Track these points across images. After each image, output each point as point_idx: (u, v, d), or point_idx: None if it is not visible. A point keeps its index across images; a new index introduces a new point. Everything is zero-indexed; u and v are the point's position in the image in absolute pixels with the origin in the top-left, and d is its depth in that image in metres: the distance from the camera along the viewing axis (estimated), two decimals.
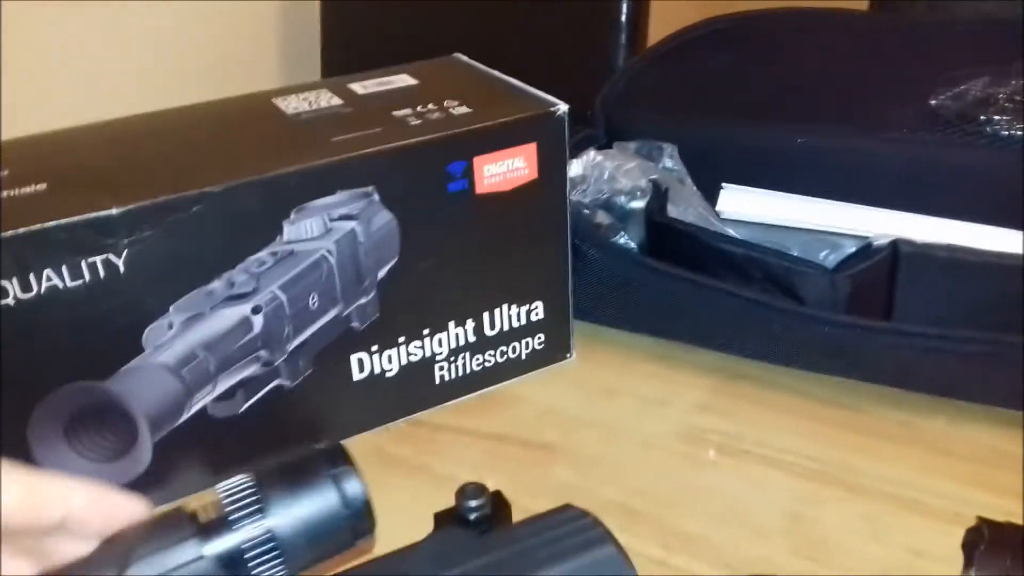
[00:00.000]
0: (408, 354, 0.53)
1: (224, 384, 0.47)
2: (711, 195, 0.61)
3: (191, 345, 0.46)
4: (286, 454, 0.30)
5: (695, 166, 0.63)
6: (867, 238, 0.55)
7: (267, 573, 0.28)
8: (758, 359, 0.56)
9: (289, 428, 0.50)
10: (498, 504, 0.40)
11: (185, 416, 0.47)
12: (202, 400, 0.47)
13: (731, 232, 0.58)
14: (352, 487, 0.30)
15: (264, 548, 0.27)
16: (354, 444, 0.52)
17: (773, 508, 0.46)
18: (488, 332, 0.55)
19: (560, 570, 0.34)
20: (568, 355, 0.58)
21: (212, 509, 0.28)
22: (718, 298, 0.54)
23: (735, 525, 0.45)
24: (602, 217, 0.59)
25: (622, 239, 0.59)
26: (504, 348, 0.56)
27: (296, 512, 0.28)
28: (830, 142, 0.60)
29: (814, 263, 0.54)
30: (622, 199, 0.58)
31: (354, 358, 0.51)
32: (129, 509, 0.30)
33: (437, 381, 0.54)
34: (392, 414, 0.54)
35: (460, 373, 0.55)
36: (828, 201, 0.57)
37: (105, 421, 0.45)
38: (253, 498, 0.28)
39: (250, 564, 0.27)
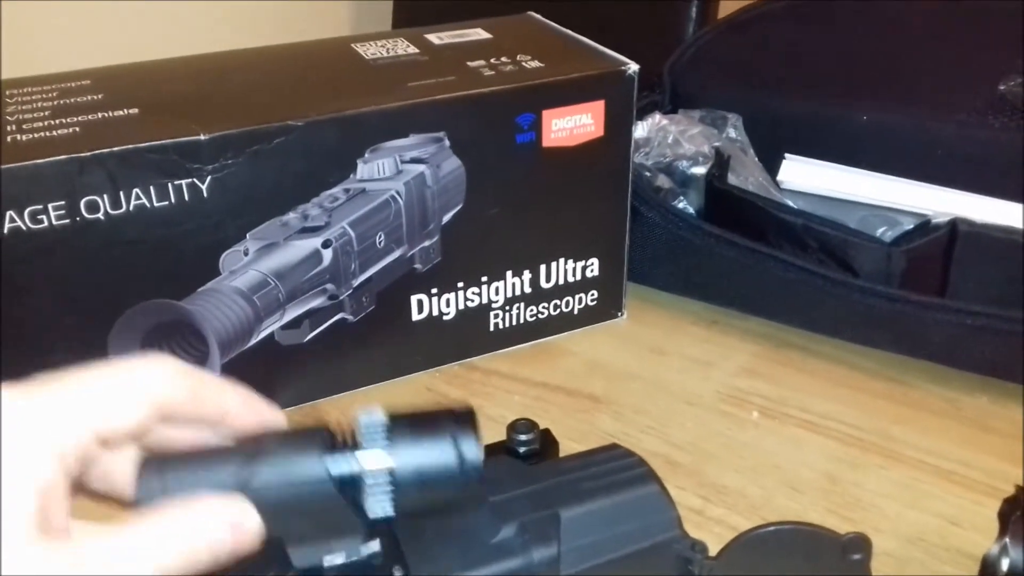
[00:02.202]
0: (465, 299, 0.54)
1: (292, 313, 0.50)
2: (772, 167, 0.62)
3: (264, 273, 0.48)
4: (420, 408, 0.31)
5: (758, 137, 0.63)
6: (925, 216, 0.56)
7: (376, 505, 0.29)
8: (807, 329, 0.57)
9: (349, 361, 0.53)
10: (546, 441, 0.42)
11: (254, 340, 0.49)
12: (271, 326, 0.49)
13: (790, 203, 0.58)
14: (470, 452, 0.31)
15: (382, 482, 0.29)
16: (408, 382, 0.55)
17: (811, 468, 0.47)
18: (544, 284, 0.56)
19: (605, 503, 0.36)
20: (619, 314, 0.60)
21: (347, 432, 0.30)
22: (773, 266, 0.55)
23: (773, 482, 0.47)
24: (663, 180, 0.60)
25: (681, 203, 0.60)
26: (558, 301, 0.57)
27: (417, 458, 0.30)
28: (895, 120, 0.60)
29: (872, 236, 0.55)
30: (684, 164, 0.59)
31: (414, 299, 0.53)
32: (272, 416, 0.31)
33: (491, 328, 0.56)
34: (446, 357, 0.56)
35: (513, 323, 0.56)
36: (889, 177, 0.57)
37: (179, 339, 0.48)
38: (385, 434, 0.29)
39: (365, 492, 0.29)
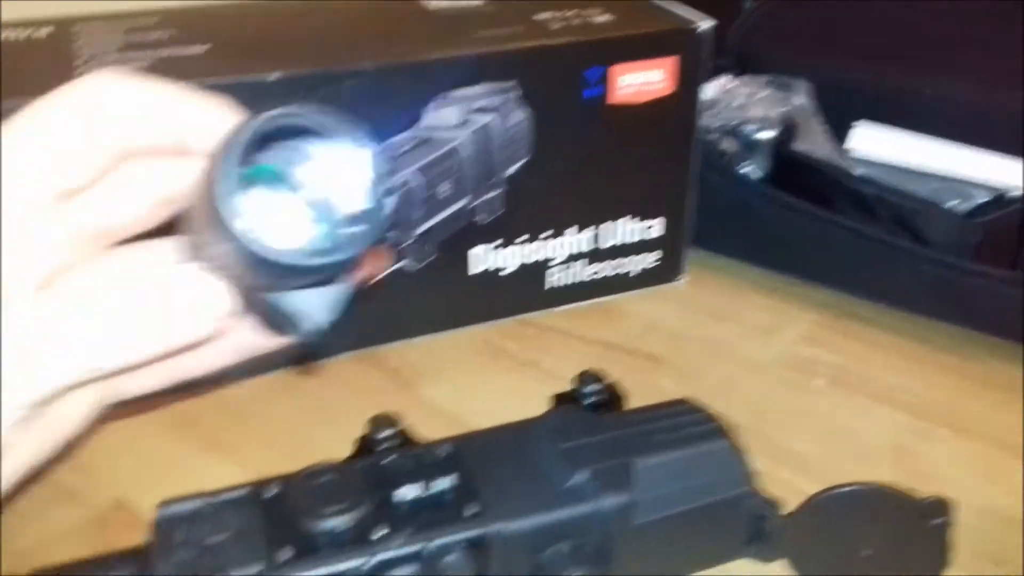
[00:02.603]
0: (525, 254, 0.54)
1: None
2: (839, 136, 0.60)
3: None
4: None
5: (826, 105, 0.62)
6: (998, 189, 0.54)
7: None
8: (873, 299, 0.55)
9: (408, 309, 0.52)
10: (613, 395, 0.41)
11: None
12: None
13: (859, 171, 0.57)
14: None
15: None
16: (465, 334, 0.54)
17: (879, 437, 0.46)
18: (605, 243, 0.55)
19: (677, 455, 0.35)
20: (679, 277, 0.59)
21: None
22: (841, 235, 0.54)
23: (839, 448, 0.46)
24: (728, 144, 0.58)
25: (746, 168, 0.59)
26: (618, 261, 0.56)
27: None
28: (966, 89, 0.59)
29: (945, 208, 0.53)
30: (751, 128, 0.58)
31: (474, 251, 0.52)
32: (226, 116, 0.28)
33: (549, 285, 0.55)
34: (502, 311, 0.55)
35: (572, 280, 0.56)
36: (963, 146, 0.55)
37: None
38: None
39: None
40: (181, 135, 0.26)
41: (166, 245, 0.28)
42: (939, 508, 0.35)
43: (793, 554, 0.37)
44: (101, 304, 0.25)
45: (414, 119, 0.47)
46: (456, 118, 0.48)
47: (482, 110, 0.49)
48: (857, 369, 0.51)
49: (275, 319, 0.30)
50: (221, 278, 0.28)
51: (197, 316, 0.27)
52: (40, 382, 0.25)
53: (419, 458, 0.34)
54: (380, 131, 0.47)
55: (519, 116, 0.50)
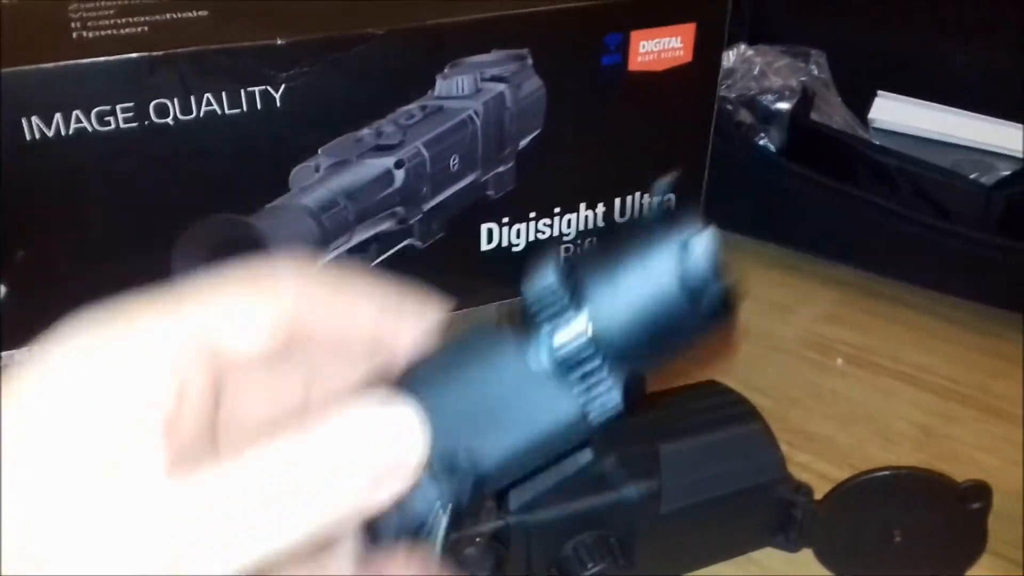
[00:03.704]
0: (537, 231, 0.52)
1: (360, 236, 0.47)
2: (855, 107, 0.59)
3: (334, 192, 0.45)
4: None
5: (842, 75, 0.60)
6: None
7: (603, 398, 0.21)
8: (894, 277, 0.54)
9: (416, 288, 0.50)
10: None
11: (320, 263, 0.47)
12: (337, 249, 0.47)
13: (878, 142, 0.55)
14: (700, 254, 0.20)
15: (590, 354, 0.20)
16: (474, 314, 0.53)
17: (904, 419, 0.45)
18: (617, 219, 0.54)
19: (707, 439, 0.34)
20: None
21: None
22: (863, 209, 0.52)
23: (863, 431, 0.44)
24: (744, 115, 0.57)
25: (762, 140, 0.57)
26: None
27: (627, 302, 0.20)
28: (990, 59, 0.57)
29: (971, 180, 0.51)
30: (768, 98, 0.56)
31: (484, 227, 0.50)
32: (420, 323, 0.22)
33: None
34: (514, 290, 0.53)
35: None
36: (988, 118, 0.54)
37: (243, 258, 0.45)
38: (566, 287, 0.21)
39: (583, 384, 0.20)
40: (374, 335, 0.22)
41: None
42: (979, 492, 0.33)
43: (819, 543, 0.36)
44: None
45: (426, 87, 0.45)
46: (469, 86, 0.46)
47: (496, 78, 0.47)
48: (880, 349, 0.50)
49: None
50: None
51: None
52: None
53: None
54: (389, 100, 0.45)
55: (534, 84, 0.48)
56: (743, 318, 0.52)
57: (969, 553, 0.35)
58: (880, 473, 0.34)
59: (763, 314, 0.53)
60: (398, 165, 0.46)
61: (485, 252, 0.51)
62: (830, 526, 0.35)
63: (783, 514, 0.35)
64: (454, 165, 0.48)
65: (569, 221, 0.52)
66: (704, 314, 0.20)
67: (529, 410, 0.20)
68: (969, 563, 0.35)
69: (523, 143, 0.49)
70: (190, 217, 0.43)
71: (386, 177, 0.46)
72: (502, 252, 0.52)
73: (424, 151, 0.47)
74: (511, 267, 0.52)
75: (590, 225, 0.53)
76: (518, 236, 0.52)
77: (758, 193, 0.56)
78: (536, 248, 0.52)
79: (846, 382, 0.48)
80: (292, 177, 0.44)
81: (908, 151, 0.54)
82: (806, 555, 0.36)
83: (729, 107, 0.56)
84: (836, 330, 0.51)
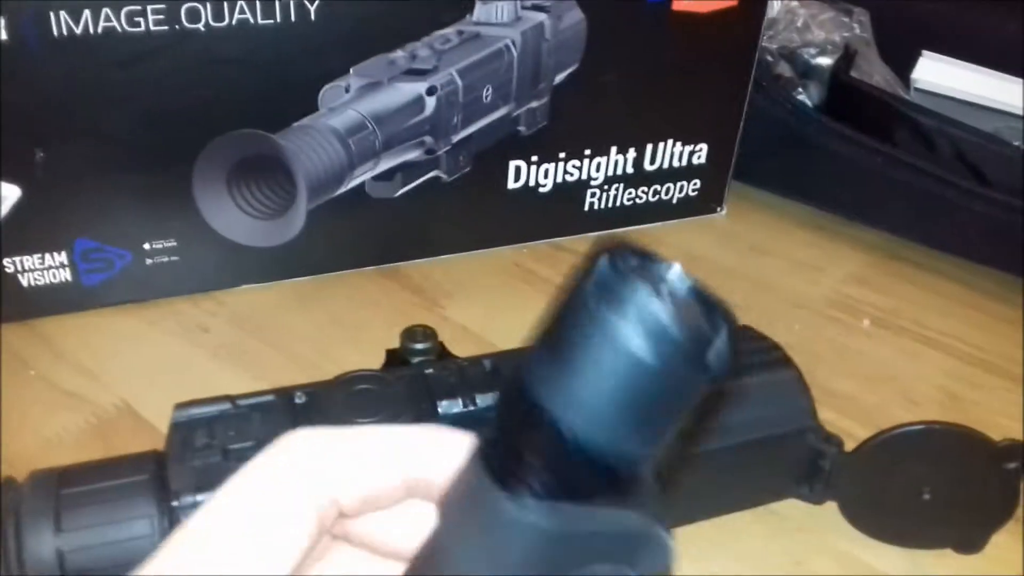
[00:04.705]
0: (565, 172, 0.51)
1: (386, 163, 0.46)
2: (897, 68, 0.57)
3: (363, 115, 0.44)
4: None
5: (884, 35, 0.58)
6: None
7: None
8: (923, 243, 0.53)
9: (438, 224, 0.49)
10: None
11: (343, 188, 0.46)
12: (362, 175, 0.46)
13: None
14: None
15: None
16: (495, 254, 0.52)
17: (929, 383, 0.44)
18: (647, 167, 0.52)
19: (737, 384, 0.33)
20: (719, 209, 0.56)
21: None
22: (896, 170, 0.51)
23: (887, 391, 0.43)
24: (783, 68, 0.55)
25: (800, 95, 0.55)
26: (659, 187, 0.53)
27: None
28: None
29: (1012, 144, 0.50)
30: (810, 52, 0.55)
31: (512, 165, 0.49)
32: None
33: (586, 208, 0.52)
34: (537, 233, 0.52)
35: (610, 204, 0.53)
36: None
37: (267, 176, 0.44)
38: None
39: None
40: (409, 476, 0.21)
41: None
42: (1016, 452, 0.33)
43: (845, 496, 0.35)
44: None
45: (465, 12, 0.44)
46: (509, 14, 0.45)
47: (537, 7, 0.45)
48: (907, 312, 0.49)
49: None
50: None
51: None
52: None
53: (462, 372, 0.32)
54: (426, 22, 0.44)
55: (575, 16, 0.46)
56: (771, 276, 0.51)
57: (999, 515, 0.34)
58: (915, 427, 0.33)
59: (791, 272, 0.52)
60: (430, 92, 0.45)
61: (512, 190, 0.50)
62: (858, 479, 0.34)
63: (811, 464, 0.34)
64: (487, 96, 0.46)
65: (599, 165, 0.51)
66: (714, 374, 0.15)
67: None
68: (997, 525, 0.34)
69: (559, 78, 0.48)
70: (214, 129, 0.42)
71: (417, 103, 0.45)
72: (529, 192, 0.50)
73: (458, 79, 0.45)
74: (537, 208, 0.51)
75: (619, 171, 0.52)
76: (546, 176, 0.50)
77: (792, 149, 0.55)
78: (563, 191, 0.51)
79: (872, 343, 0.47)
80: (321, 96, 0.43)
81: (949, 114, 0.53)
82: (829, 508, 0.36)
83: (769, 58, 0.55)
84: (864, 292, 0.50)
